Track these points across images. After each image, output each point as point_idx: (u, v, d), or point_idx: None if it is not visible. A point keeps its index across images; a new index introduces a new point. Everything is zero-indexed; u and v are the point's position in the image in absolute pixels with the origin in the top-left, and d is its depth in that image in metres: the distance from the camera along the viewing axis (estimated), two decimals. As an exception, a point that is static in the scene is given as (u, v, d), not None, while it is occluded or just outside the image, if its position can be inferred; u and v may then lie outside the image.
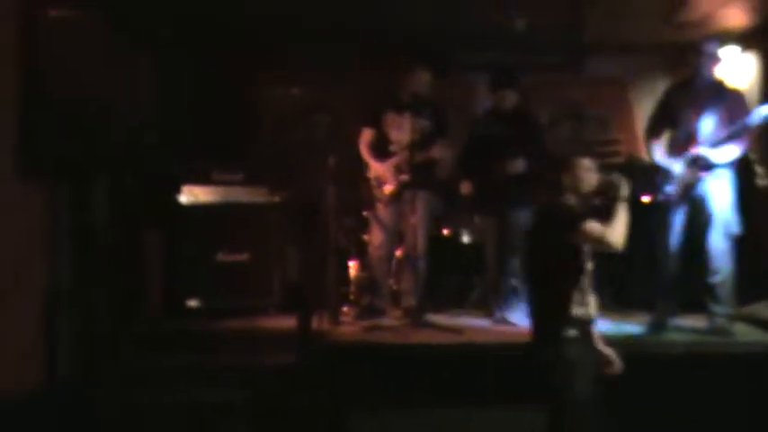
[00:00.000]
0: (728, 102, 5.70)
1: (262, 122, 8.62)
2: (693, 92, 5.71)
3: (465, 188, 6.69)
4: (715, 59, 5.77)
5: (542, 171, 6.52)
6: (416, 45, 7.79)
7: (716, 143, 5.56)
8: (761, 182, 7.10)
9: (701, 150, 5.53)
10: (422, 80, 6.43)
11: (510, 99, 6.53)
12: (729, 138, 5.55)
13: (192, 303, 6.64)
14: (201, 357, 5.81)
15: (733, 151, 5.62)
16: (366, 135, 6.61)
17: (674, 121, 5.79)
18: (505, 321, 6.32)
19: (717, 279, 5.65)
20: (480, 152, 6.54)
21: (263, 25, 7.66)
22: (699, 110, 5.67)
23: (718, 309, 5.65)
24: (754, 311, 6.09)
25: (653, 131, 6.02)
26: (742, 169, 6.35)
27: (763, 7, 7.01)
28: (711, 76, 5.77)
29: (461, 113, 7.34)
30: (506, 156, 6.30)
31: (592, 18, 7.30)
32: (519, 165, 6.30)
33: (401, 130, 6.47)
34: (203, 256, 6.76)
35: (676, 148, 5.67)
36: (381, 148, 6.54)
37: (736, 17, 7.32)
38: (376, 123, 6.56)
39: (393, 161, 6.44)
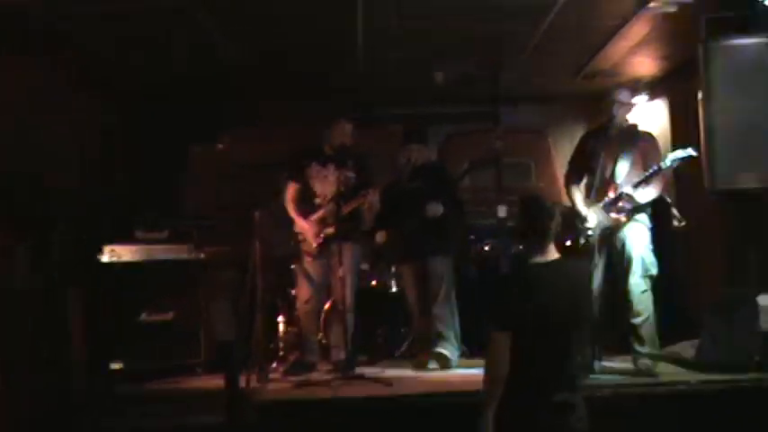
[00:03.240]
0: (642, 146, 5.90)
1: (187, 178, 8.58)
2: (608, 138, 5.88)
3: (379, 237, 6.82)
4: (626, 106, 5.98)
5: (455, 218, 6.68)
6: (340, 98, 7.88)
7: (632, 187, 5.72)
8: (677, 224, 7.31)
9: (625, 189, 5.68)
10: (345, 132, 6.49)
11: (419, 153, 6.73)
12: (644, 181, 5.72)
13: (116, 366, 6.47)
14: (126, 420, 5.65)
15: (649, 194, 5.79)
16: (291, 189, 6.61)
17: (590, 166, 5.95)
18: (435, 369, 6.33)
19: (639, 320, 5.76)
20: (396, 206, 6.64)
21: (189, 85, 7.67)
22: (614, 155, 5.85)
23: (641, 349, 5.76)
24: (677, 351, 6.21)
25: (571, 178, 6.19)
26: (659, 212, 6.54)
27: (669, 56, 7.28)
28: (624, 122, 5.97)
29: (385, 162, 7.41)
30: (424, 202, 6.41)
31: (510, 70, 7.49)
32: (438, 209, 6.44)
33: (326, 183, 6.51)
34: (126, 316, 6.63)
35: (594, 193, 5.81)
36: (307, 202, 6.55)
37: (644, 66, 7.60)
38: (300, 177, 6.58)
39: (317, 216, 6.45)
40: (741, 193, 6.02)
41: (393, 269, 7.26)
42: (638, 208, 5.81)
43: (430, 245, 6.53)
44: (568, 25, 6.38)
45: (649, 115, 8.10)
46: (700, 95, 6.05)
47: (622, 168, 5.84)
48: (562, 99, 8.82)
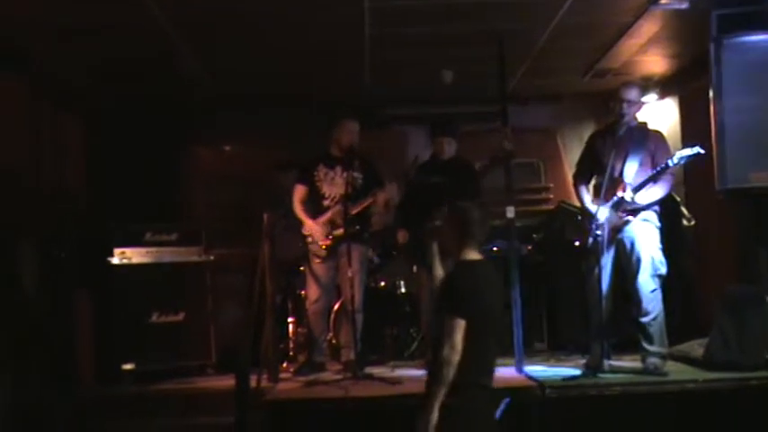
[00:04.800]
0: (651, 145, 5.87)
1: (195, 181, 8.63)
2: (616, 137, 5.85)
3: (401, 237, 6.73)
4: (635, 105, 5.94)
5: None
6: (347, 100, 7.89)
7: (640, 186, 5.71)
8: (687, 223, 7.29)
9: (626, 195, 5.67)
10: (352, 132, 6.48)
11: (449, 147, 6.60)
12: (652, 180, 5.70)
13: (127, 367, 6.51)
14: (138, 421, 5.69)
15: (657, 193, 5.78)
16: (299, 192, 6.62)
17: (599, 165, 5.93)
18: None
19: (648, 319, 5.75)
20: (419, 201, 6.59)
21: (194, 87, 7.71)
22: (623, 154, 5.81)
23: (650, 348, 5.75)
24: (686, 350, 6.20)
25: (580, 177, 6.17)
26: (669, 211, 6.53)
27: (680, 54, 7.26)
28: (633, 120, 5.94)
29: (393, 164, 7.41)
30: (444, 203, 6.34)
31: (518, 69, 7.48)
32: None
33: (333, 185, 6.51)
34: (137, 318, 6.67)
35: (603, 192, 5.80)
36: (315, 204, 6.56)
37: (655, 64, 7.57)
38: (308, 179, 6.59)
39: (325, 217, 6.46)
40: (751, 192, 6.00)
41: (414, 269, 7.19)
42: (646, 206, 5.80)
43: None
44: (578, 23, 6.35)
45: (660, 113, 8.08)
46: (710, 93, 6.03)
47: (631, 167, 5.81)
48: (571, 98, 8.80)
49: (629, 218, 5.78)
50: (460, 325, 3.82)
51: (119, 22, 5.88)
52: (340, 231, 6.38)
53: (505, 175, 6.37)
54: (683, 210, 7.32)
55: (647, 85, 7.88)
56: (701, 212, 7.25)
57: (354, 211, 6.36)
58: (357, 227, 6.42)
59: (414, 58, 7.15)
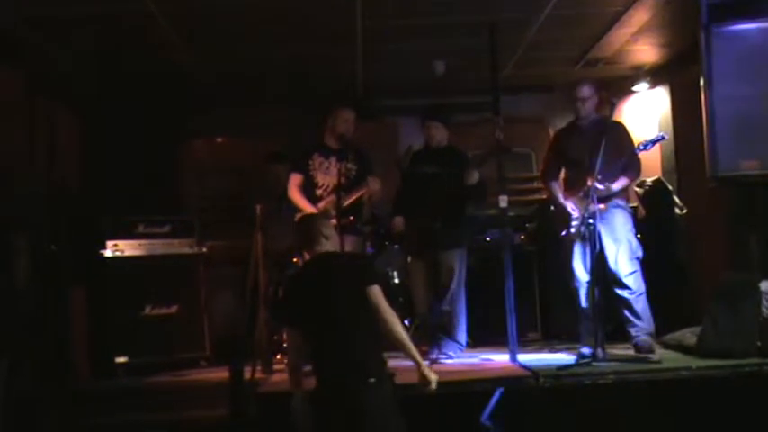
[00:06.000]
0: (614, 136, 5.95)
1: (188, 173, 8.61)
2: (580, 132, 6.02)
3: (397, 224, 6.75)
4: (591, 101, 6.08)
5: (474, 209, 6.65)
6: (341, 91, 7.89)
7: (609, 174, 5.80)
8: (679, 212, 7.32)
9: (596, 185, 5.73)
10: (347, 121, 6.47)
11: (437, 132, 6.62)
12: (621, 169, 5.81)
13: (121, 359, 6.50)
14: (133, 414, 5.68)
15: (624, 180, 5.93)
16: (295, 180, 6.59)
17: (566, 160, 6.07)
18: (439, 360, 6.33)
19: (633, 295, 5.86)
20: (414, 190, 6.60)
21: (188, 79, 7.69)
22: (588, 147, 5.90)
23: (639, 323, 5.81)
24: (680, 338, 6.23)
25: (549, 174, 6.29)
26: (661, 200, 6.55)
27: (671, 42, 7.27)
28: (592, 115, 6.09)
29: (385, 155, 7.41)
30: (441, 193, 6.35)
31: (510, 59, 7.48)
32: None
33: (328, 174, 6.49)
34: (130, 310, 6.66)
35: (574, 186, 5.90)
36: (308, 192, 6.55)
37: (646, 53, 7.58)
38: (303, 168, 6.57)
39: (322, 204, 6.45)
40: (742, 180, 6.02)
41: (408, 259, 7.18)
42: (615, 194, 5.88)
43: (445, 237, 6.42)
44: (569, 13, 6.37)
45: (651, 102, 8.09)
46: (701, 82, 6.04)
47: (597, 159, 5.86)
48: (563, 87, 8.77)
49: (601, 206, 5.83)
50: (290, 331, 4.30)
51: (114, 15, 5.86)
52: (333, 222, 6.36)
53: (497, 164, 6.38)
54: (676, 198, 7.34)
55: (637, 74, 7.92)
56: (694, 201, 7.28)
57: (347, 202, 6.34)
58: (350, 217, 6.41)
59: (406, 49, 7.14)
